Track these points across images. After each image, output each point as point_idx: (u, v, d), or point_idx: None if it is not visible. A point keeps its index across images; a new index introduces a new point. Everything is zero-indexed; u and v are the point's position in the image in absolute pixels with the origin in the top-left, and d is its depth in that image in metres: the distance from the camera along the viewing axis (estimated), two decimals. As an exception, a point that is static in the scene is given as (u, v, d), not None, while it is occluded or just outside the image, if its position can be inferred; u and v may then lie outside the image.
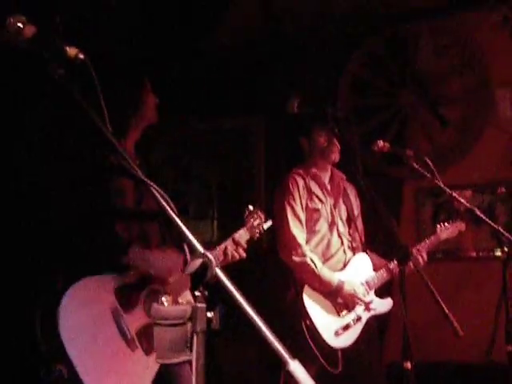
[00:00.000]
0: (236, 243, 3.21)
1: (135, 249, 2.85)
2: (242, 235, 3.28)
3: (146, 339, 2.76)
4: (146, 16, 5.35)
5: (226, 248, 3.16)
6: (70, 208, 2.97)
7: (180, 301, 1.47)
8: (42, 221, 4.12)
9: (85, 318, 2.65)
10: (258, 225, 3.38)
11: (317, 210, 3.84)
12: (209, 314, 1.45)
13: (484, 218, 3.60)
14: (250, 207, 3.40)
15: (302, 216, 3.79)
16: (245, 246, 3.24)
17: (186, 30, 5.63)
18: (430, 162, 3.57)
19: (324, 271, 3.70)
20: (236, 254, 3.19)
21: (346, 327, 3.68)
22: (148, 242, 3.04)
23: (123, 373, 2.66)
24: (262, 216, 3.40)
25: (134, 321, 2.75)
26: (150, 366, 2.74)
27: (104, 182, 2.98)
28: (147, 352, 2.76)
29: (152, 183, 1.53)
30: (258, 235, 3.40)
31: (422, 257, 3.79)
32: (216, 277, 1.43)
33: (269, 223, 3.46)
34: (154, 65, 5.84)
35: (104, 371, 2.61)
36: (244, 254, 3.22)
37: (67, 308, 2.62)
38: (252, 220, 3.36)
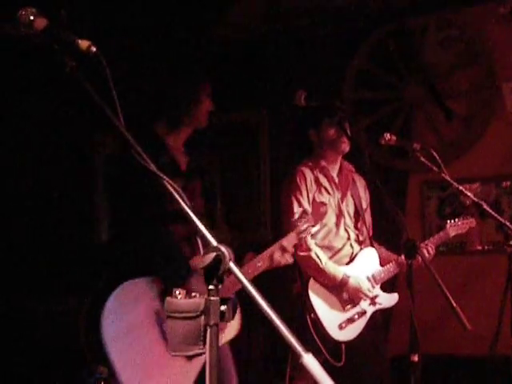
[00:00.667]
0: (283, 249, 3.18)
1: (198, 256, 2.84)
2: (291, 240, 3.24)
3: None
4: (147, 10, 5.36)
5: (272, 253, 3.13)
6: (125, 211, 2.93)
7: (193, 294, 1.47)
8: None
9: (129, 319, 2.66)
10: (307, 228, 3.33)
11: (324, 204, 3.83)
12: (222, 308, 1.46)
13: (490, 211, 3.60)
14: (300, 209, 3.38)
15: (309, 210, 3.79)
16: (292, 251, 3.20)
17: (189, 23, 5.63)
18: (436, 155, 3.57)
19: (329, 265, 3.70)
20: (283, 260, 3.15)
21: (351, 321, 3.69)
22: (193, 244, 3.03)
23: (163, 376, 2.67)
24: (311, 219, 3.35)
25: None
26: (190, 370, 2.75)
27: (157, 185, 2.96)
28: (189, 357, 2.77)
29: (166, 177, 1.53)
30: (304, 238, 3.39)
31: (428, 251, 3.79)
32: (229, 270, 1.44)
33: (317, 227, 3.41)
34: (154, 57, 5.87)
35: (143, 374, 2.62)
36: (291, 260, 3.19)
37: (111, 309, 2.64)
38: (300, 224, 3.32)
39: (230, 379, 3.05)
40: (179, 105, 3.13)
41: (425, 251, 3.76)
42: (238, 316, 3.04)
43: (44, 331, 5.55)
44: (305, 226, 3.30)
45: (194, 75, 3.23)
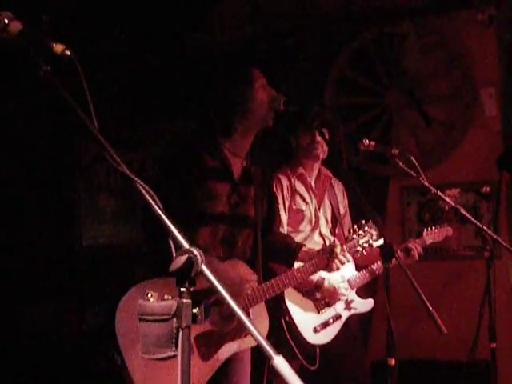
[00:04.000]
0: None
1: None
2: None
3: (204, 345, 2.80)
4: (132, 18, 5.38)
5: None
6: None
7: (166, 297, 1.48)
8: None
9: None
10: (365, 243, 3.33)
11: (300, 211, 3.84)
12: (194, 310, 1.47)
13: (469, 216, 3.62)
14: (363, 222, 3.34)
15: (284, 217, 3.80)
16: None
17: (172, 28, 5.64)
18: (415, 161, 3.59)
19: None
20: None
21: (325, 324, 3.69)
22: (232, 247, 3.02)
23: (172, 373, 2.67)
24: (374, 232, 3.32)
25: (195, 326, 2.76)
26: (204, 371, 2.77)
27: (195, 185, 2.94)
28: (204, 358, 2.79)
29: (138, 180, 1.53)
30: (361, 255, 3.41)
31: (416, 249, 3.84)
32: (201, 273, 1.44)
33: (380, 241, 3.33)
34: (142, 65, 5.89)
35: (150, 368, 2.62)
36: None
37: (125, 304, 2.68)
38: (356, 237, 3.32)
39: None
40: (229, 115, 3.02)
41: (414, 249, 3.80)
42: (266, 322, 3.05)
43: (27, 336, 5.55)
44: (364, 239, 3.34)
45: (236, 80, 3.09)
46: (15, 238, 6.03)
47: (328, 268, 3.29)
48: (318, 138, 3.71)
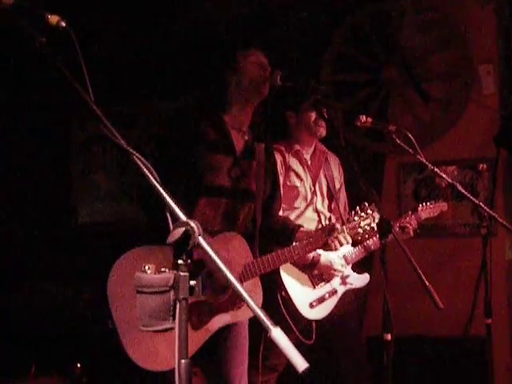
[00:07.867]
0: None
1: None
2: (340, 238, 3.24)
3: (196, 315, 2.82)
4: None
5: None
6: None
7: (163, 269, 1.48)
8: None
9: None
10: (367, 225, 3.23)
11: (295, 188, 3.84)
12: (191, 283, 1.46)
13: (465, 193, 3.63)
14: (366, 204, 3.23)
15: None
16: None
17: (169, 6, 5.60)
18: (412, 137, 3.58)
19: None
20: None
21: (321, 299, 3.71)
22: (234, 221, 3.03)
23: (161, 340, 2.68)
24: (377, 215, 3.18)
25: None
26: (195, 339, 2.78)
27: (196, 157, 2.95)
28: (195, 327, 2.81)
29: (135, 152, 1.52)
30: (361, 237, 3.36)
31: (411, 224, 3.84)
32: (199, 245, 1.44)
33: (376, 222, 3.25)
34: (137, 45, 5.85)
35: (140, 335, 2.65)
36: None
37: (119, 267, 2.73)
38: (358, 219, 3.25)
39: (241, 358, 3.08)
40: (221, 87, 3.06)
41: (409, 225, 3.81)
42: (259, 297, 3.05)
43: (22, 314, 5.56)
44: (366, 221, 3.25)
45: (228, 53, 3.14)
46: (10, 215, 6.02)
47: (326, 247, 3.28)
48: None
